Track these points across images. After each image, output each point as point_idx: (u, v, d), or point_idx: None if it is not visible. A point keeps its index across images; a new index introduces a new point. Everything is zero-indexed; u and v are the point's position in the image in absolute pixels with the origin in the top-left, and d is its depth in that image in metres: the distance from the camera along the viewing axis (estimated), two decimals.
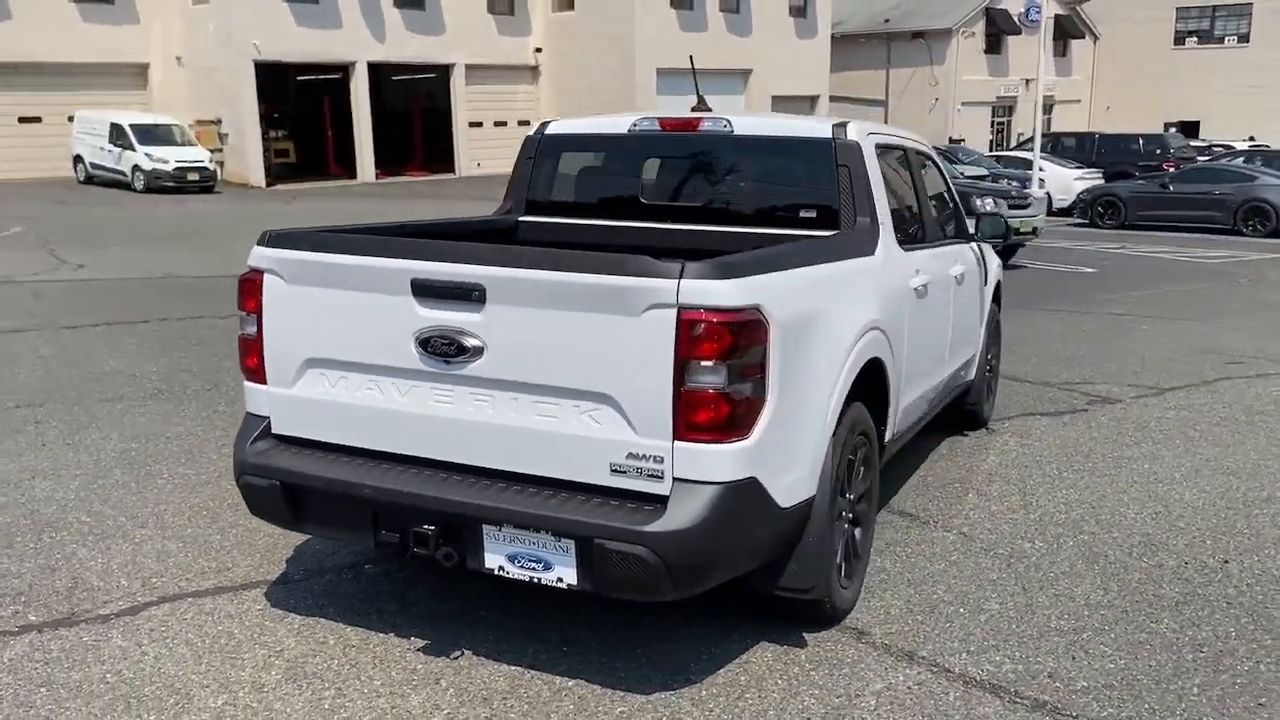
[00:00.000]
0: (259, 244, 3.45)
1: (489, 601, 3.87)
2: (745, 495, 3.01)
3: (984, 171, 21.10)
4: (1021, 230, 14.17)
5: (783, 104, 39.87)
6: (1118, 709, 3.26)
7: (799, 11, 40.81)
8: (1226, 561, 4.52)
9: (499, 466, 3.17)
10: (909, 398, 4.54)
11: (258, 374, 3.51)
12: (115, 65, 31.94)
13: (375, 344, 3.25)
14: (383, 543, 3.25)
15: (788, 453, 3.21)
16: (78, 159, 29.66)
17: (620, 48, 35.48)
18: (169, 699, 3.17)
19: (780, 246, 3.49)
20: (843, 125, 4.29)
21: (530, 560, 3.08)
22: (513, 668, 3.41)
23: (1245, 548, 4.65)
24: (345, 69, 33.58)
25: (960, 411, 6.33)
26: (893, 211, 4.48)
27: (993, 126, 46.57)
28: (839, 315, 3.48)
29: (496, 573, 3.17)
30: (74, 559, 4.22)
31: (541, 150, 4.87)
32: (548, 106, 37.81)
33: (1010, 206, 13.91)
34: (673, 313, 2.88)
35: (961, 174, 17.12)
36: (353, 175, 34.46)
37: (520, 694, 3.24)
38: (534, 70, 37.99)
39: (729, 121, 4.46)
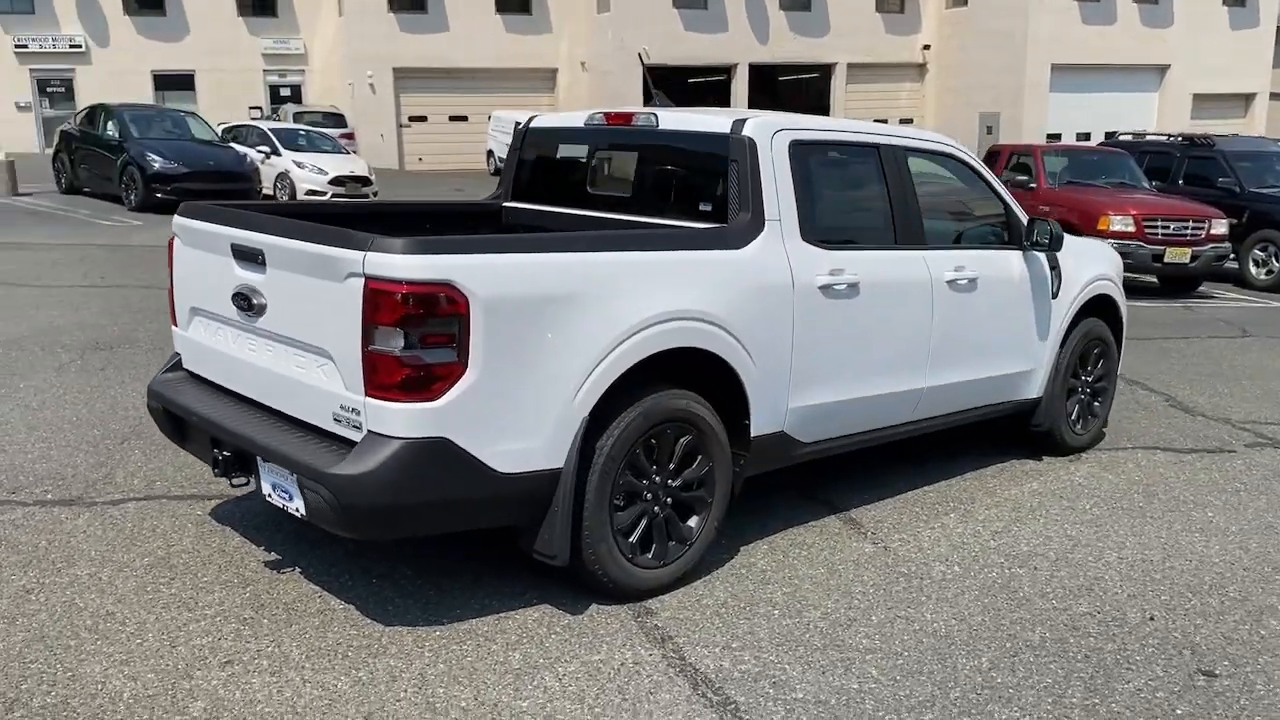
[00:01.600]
0: (175, 214, 4.25)
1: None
2: (433, 454, 3.31)
3: None
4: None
5: (1207, 102, 35.86)
6: None
7: (1237, 0, 36.40)
8: (1152, 617, 3.98)
9: (276, 407, 3.73)
10: (820, 398, 4.44)
11: (172, 318, 4.33)
12: (529, 70, 35.69)
13: (218, 298, 3.93)
14: (214, 465, 3.92)
15: (507, 422, 3.43)
16: (489, 153, 33.53)
17: (1012, 43, 33.76)
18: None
19: (520, 236, 3.68)
20: (743, 121, 4.31)
21: (282, 490, 3.60)
22: (312, 585, 3.94)
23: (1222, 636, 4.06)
24: (728, 70, 34.98)
25: (1031, 434, 5.88)
26: (811, 208, 4.41)
27: None
28: (606, 303, 3.61)
29: (267, 499, 3.72)
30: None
31: (525, 142, 5.30)
32: (933, 104, 36.91)
33: None
34: (361, 281, 3.26)
35: None
36: None
37: (293, 607, 3.77)
38: (920, 68, 37.19)
39: (656, 116, 4.64)
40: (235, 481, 3.83)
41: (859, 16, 35.62)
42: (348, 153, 22.44)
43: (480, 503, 3.47)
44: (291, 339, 3.60)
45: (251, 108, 34.08)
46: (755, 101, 35.36)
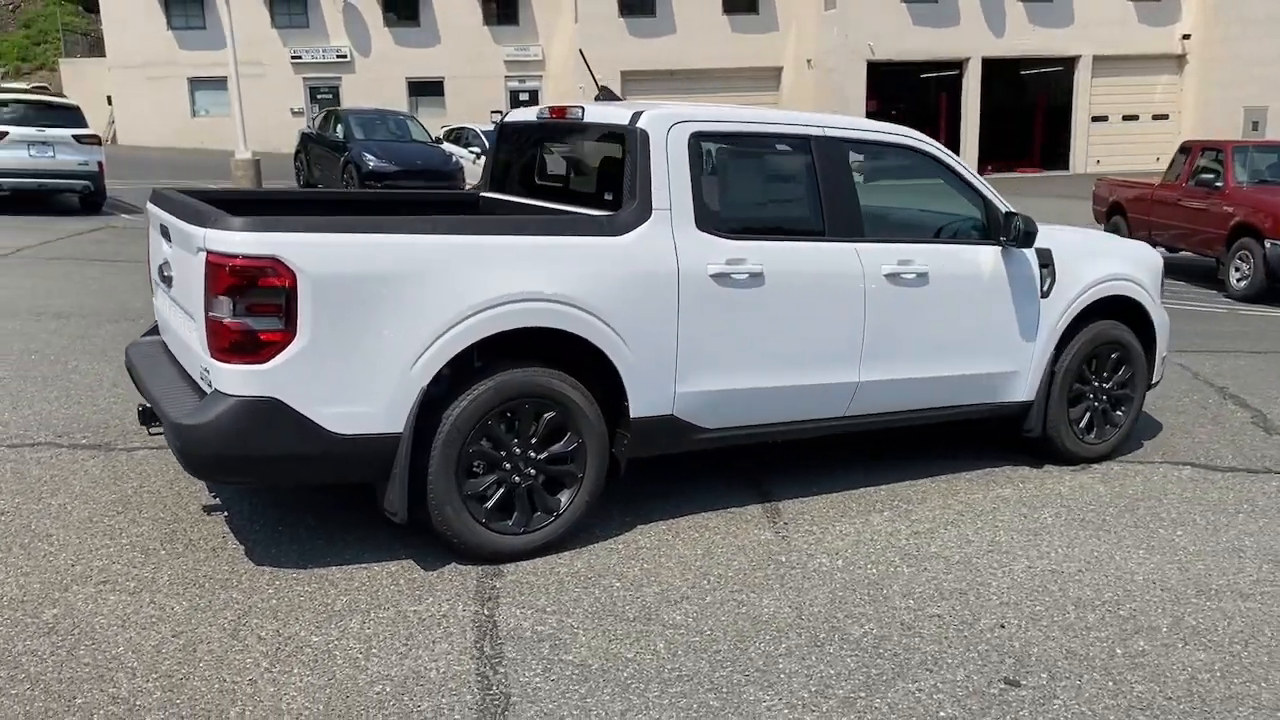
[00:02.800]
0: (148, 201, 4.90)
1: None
2: (263, 411, 3.70)
3: None
4: None
5: None
6: (559, 688, 3.33)
7: None
8: (1003, 625, 3.81)
9: (183, 365, 4.27)
10: (718, 385, 4.51)
11: (150, 289, 4.98)
12: (754, 69, 35.92)
13: (157, 271, 4.52)
14: (139, 415, 4.51)
15: (340, 387, 3.78)
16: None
17: None
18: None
19: (358, 218, 3.97)
20: (640, 114, 4.45)
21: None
22: (226, 526, 4.45)
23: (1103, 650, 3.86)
24: (960, 65, 33.77)
25: (1029, 441, 5.62)
26: (713, 198, 4.50)
27: None
28: (445, 282, 3.88)
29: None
30: None
31: (501, 136, 5.63)
32: (1193, 98, 34.09)
33: None
34: (203, 255, 3.72)
35: None
36: None
37: (195, 543, 4.28)
38: (1179, 60, 34.42)
39: (583, 110, 4.84)
40: (152, 430, 4.40)
41: (1107, 5, 33.42)
42: None
43: (318, 459, 3.84)
44: (184, 306, 4.12)
45: (493, 112, 36.17)
46: (989, 98, 33.93)
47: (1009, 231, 5.13)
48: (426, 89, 37.03)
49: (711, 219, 4.50)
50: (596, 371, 4.30)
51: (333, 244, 3.74)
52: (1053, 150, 35.33)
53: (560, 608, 3.84)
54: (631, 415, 4.37)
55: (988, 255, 5.20)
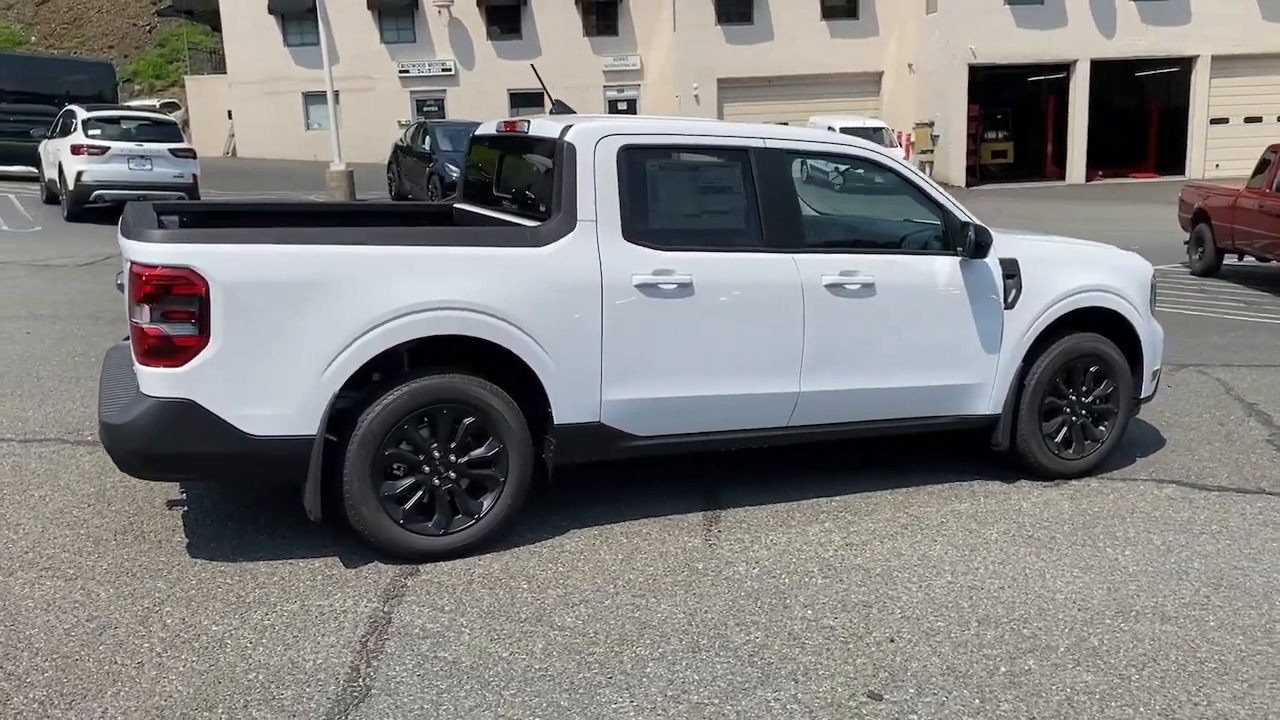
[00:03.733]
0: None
1: None
2: (179, 412, 3.93)
3: None
4: None
5: None
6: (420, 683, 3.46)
7: None
8: (892, 639, 3.78)
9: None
10: (646, 393, 4.58)
11: None
12: (853, 75, 35.51)
13: (116, 281, 4.82)
14: None
15: (253, 390, 3.98)
16: None
17: None
18: None
19: (273, 229, 4.15)
20: (569, 127, 4.56)
21: None
22: (178, 520, 4.71)
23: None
24: (1066, 67, 32.76)
25: (1003, 456, 5.51)
26: (642, 209, 4.58)
27: None
28: (357, 290, 4.05)
29: None
30: None
31: (471, 148, 5.81)
32: None
33: None
34: (129, 265, 3.98)
35: None
36: (1064, 176, 33.62)
37: (146, 535, 4.55)
38: None
39: (529, 123, 4.97)
40: None
41: (1228, 2, 31.94)
42: None
43: (234, 459, 4.06)
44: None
45: None
46: (1098, 101, 32.79)
47: (962, 242, 5.05)
48: (527, 100, 37.70)
49: (641, 230, 4.57)
50: (523, 379, 4.42)
51: (243, 254, 3.95)
52: (1169, 154, 33.92)
53: (459, 607, 3.96)
54: (556, 422, 4.47)
55: (943, 265, 5.13)
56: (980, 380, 5.28)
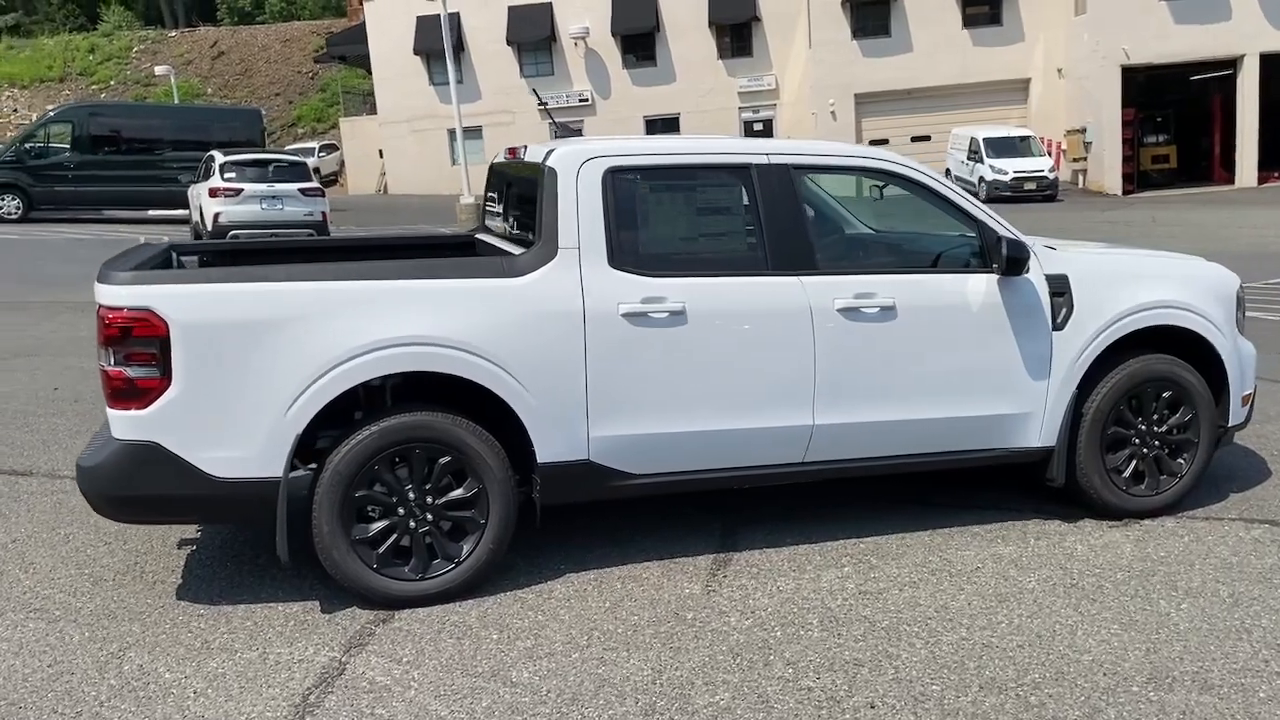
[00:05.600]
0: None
1: None
2: (145, 455, 3.89)
3: None
4: None
5: None
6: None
7: None
8: (810, 687, 3.38)
9: None
10: (640, 429, 4.31)
11: None
12: (998, 83, 34.18)
13: None
14: None
15: (217, 432, 3.91)
16: (947, 171, 32.68)
17: None
18: None
19: (235, 268, 4.07)
20: (551, 151, 4.35)
21: None
22: (177, 560, 4.70)
23: None
24: (1232, 63, 30.66)
25: (1063, 493, 4.99)
26: (631, 235, 4.33)
27: None
28: (319, 328, 3.94)
29: None
30: None
31: (489, 177, 5.65)
32: None
33: None
34: (96, 307, 3.98)
35: None
36: (1233, 180, 31.41)
37: (141, 574, 4.55)
38: None
39: (525, 149, 4.79)
40: None
41: None
42: None
43: (201, 501, 4.00)
44: None
45: None
46: (1269, 98, 30.52)
47: (995, 258, 4.59)
48: (663, 126, 37.83)
49: (629, 256, 4.32)
50: (504, 416, 4.22)
51: (203, 294, 3.90)
52: None
53: (418, 658, 3.77)
54: (540, 461, 4.25)
55: (977, 284, 4.67)
56: (1027, 410, 4.77)
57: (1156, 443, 4.98)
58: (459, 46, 38.18)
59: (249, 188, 17.27)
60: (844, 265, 4.66)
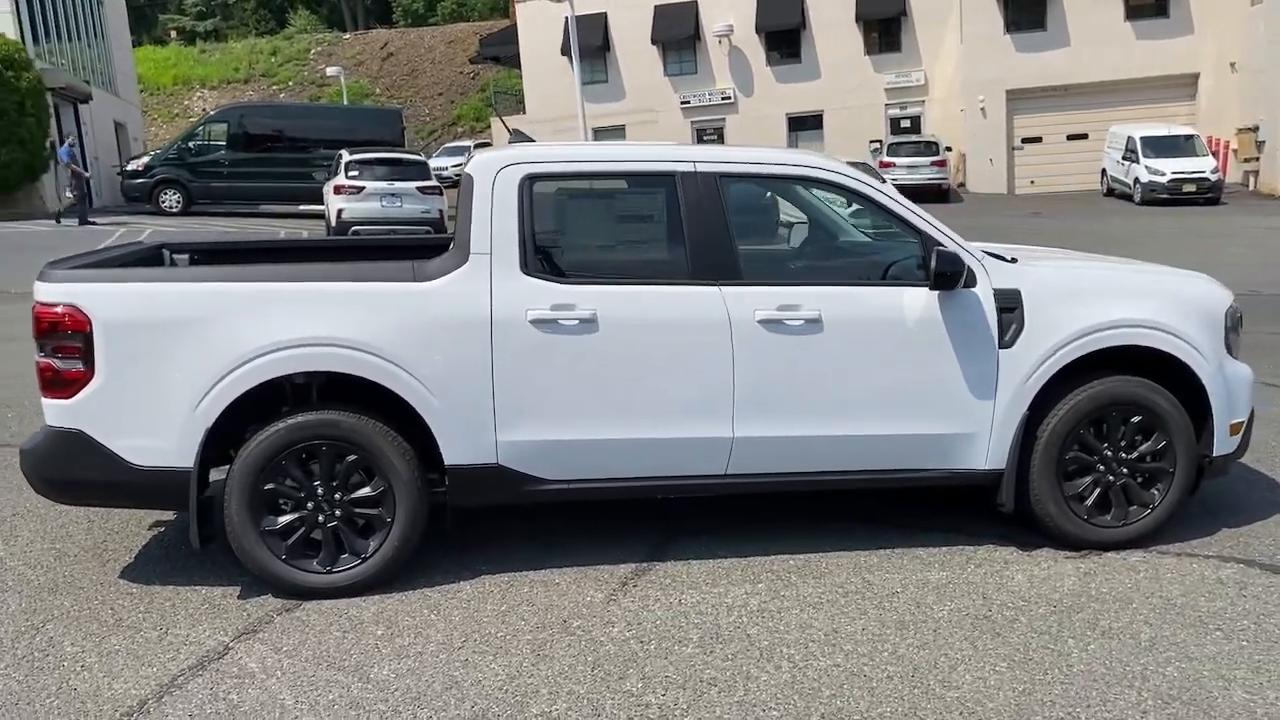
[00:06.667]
0: None
1: None
2: (70, 441, 4.16)
3: None
4: None
5: None
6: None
7: None
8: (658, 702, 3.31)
9: None
10: (549, 435, 4.33)
11: None
12: (1163, 78, 32.23)
13: None
14: None
15: (135, 422, 4.14)
16: (1103, 172, 31.09)
17: None
18: None
19: (156, 268, 4.25)
20: (472, 159, 4.42)
21: None
22: (161, 548, 5.01)
23: None
24: None
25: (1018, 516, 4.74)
26: (546, 242, 4.36)
27: None
28: (227, 327, 4.12)
29: None
30: None
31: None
32: None
33: None
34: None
35: None
36: None
37: (117, 546, 4.88)
38: None
39: (472, 156, 4.87)
40: None
41: None
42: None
43: (124, 487, 4.24)
44: None
45: (872, 141, 35.70)
46: None
47: (928, 271, 4.39)
48: (805, 123, 37.34)
49: (543, 263, 4.35)
50: (413, 418, 4.32)
51: (123, 292, 4.15)
52: None
53: (298, 648, 3.91)
54: (447, 463, 4.33)
55: (915, 298, 4.48)
56: (970, 430, 4.55)
57: (1125, 470, 4.66)
58: (604, 46, 38.74)
59: (370, 185, 18.03)
60: (771, 276, 4.55)
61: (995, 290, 4.53)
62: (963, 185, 33.94)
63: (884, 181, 19.42)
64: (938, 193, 29.79)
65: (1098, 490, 4.66)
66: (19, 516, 5.38)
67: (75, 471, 4.22)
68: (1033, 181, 33.17)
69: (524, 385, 4.30)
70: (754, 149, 4.72)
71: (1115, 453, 4.65)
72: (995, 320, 4.50)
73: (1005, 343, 4.50)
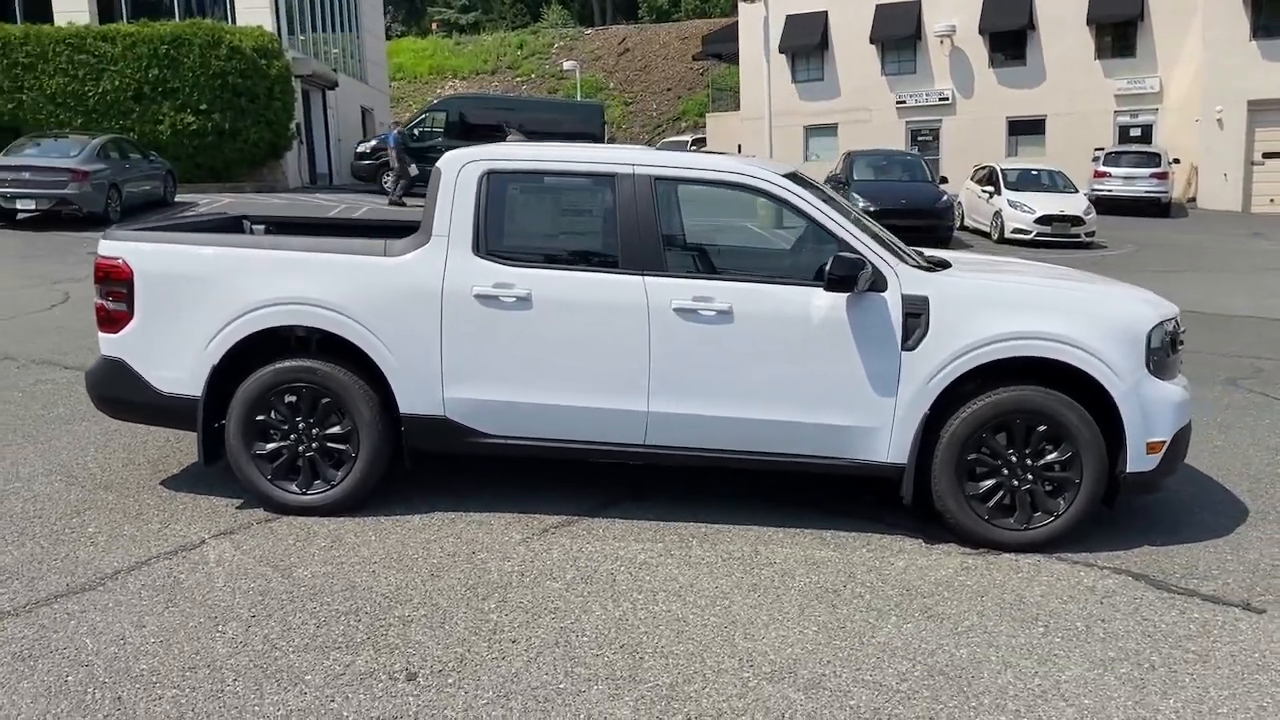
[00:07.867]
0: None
1: None
2: (115, 368, 5.21)
3: None
4: None
5: None
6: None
7: None
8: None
9: None
10: (488, 395, 5.00)
11: None
12: None
13: None
14: None
15: (162, 356, 5.13)
16: None
17: None
18: None
19: (186, 233, 5.19)
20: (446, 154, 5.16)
21: None
22: (169, 469, 6.06)
23: None
24: None
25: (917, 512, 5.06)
26: (497, 228, 5.04)
27: None
28: (233, 283, 5.05)
29: None
30: None
31: None
32: None
33: None
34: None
35: None
36: None
37: (129, 492, 5.97)
38: None
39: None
40: None
41: None
42: (1075, 192, 22.01)
43: (153, 408, 5.26)
44: None
45: (1096, 149, 34.04)
46: None
47: (824, 273, 4.78)
48: (1026, 128, 36.01)
49: (493, 247, 5.03)
50: (377, 372, 5.11)
51: (158, 250, 5.15)
52: None
53: (252, 549, 4.76)
54: (401, 411, 5.10)
55: (822, 298, 4.86)
56: (870, 424, 4.88)
57: (1030, 477, 4.86)
58: (823, 44, 38.76)
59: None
60: (692, 270, 5.03)
61: (904, 295, 4.83)
62: (1192, 200, 31.87)
63: (847, 189, 18.91)
64: (1156, 207, 28.17)
65: (1001, 493, 4.88)
66: (117, 431, 6.58)
67: (118, 392, 5.27)
68: (1272, 200, 30.74)
69: (467, 350, 5.00)
70: (689, 155, 5.22)
71: (1020, 459, 4.85)
72: (900, 323, 4.81)
73: (909, 345, 4.80)
